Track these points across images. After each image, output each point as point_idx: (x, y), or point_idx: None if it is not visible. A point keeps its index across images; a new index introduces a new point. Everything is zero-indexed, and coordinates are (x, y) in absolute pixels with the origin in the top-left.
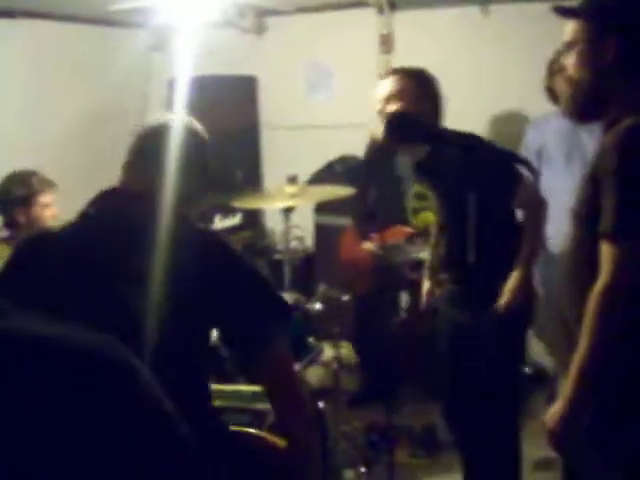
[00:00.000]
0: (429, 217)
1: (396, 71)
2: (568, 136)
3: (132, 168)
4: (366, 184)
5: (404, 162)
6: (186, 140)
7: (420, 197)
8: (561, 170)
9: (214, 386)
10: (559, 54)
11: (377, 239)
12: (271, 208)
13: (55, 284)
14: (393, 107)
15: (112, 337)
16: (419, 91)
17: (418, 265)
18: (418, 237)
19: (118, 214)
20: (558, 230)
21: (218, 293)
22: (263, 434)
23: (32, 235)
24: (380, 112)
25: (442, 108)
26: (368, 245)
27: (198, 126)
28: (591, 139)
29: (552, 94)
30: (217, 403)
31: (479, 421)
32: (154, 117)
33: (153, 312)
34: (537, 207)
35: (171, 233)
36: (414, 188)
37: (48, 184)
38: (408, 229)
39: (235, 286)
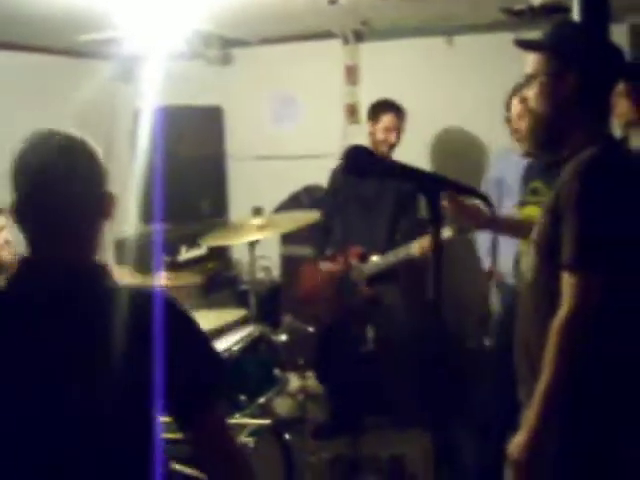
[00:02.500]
0: (533, 211)
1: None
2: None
3: (36, 234)
4: (331, 211)
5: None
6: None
7: (534, 192)
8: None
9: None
10: (514, 91)
11: (339, 262)
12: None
13: None
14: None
15: None
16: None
17: (372, 281)
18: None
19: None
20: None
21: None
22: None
23: None
24: None
25: None
26: (326, 265)
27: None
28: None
29: (510, 127)
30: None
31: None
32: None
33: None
34: None
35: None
36: (533, 183)
37: None
38: (358, 249)
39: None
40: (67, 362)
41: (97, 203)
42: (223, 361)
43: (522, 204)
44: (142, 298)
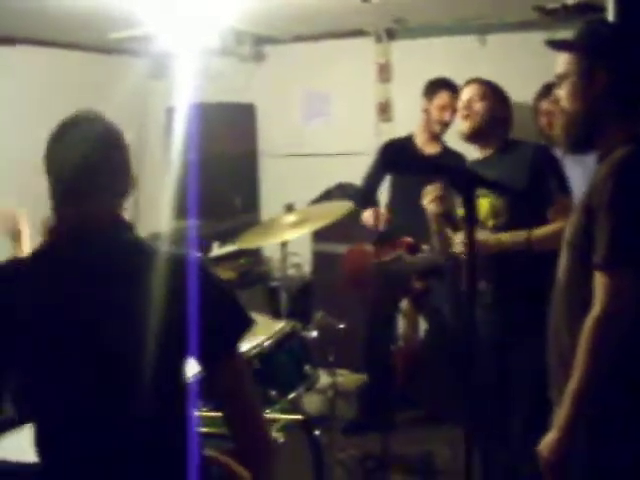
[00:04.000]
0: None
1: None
2: None
3: (68, 200)
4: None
5: None
6: (105, 145)
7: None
8: None
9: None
10: (541, 93)
11: (383, 252)
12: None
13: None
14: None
15: None
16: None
17: (423, 275)
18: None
19: (76, 254)
20: None
21: (183, 314)
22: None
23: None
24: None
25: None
26: (375, 251)
27: (106, 122)
28: (576, 171)
29: (538, 129)
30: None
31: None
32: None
33: (131, 345)
34: None
35: (136, 264)
36: None
37: None
38: (408, 239)
39: (199, 302)
40: (106, 311)
41: (123, 182)
42: (243, 310)
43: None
44: (175, 258)
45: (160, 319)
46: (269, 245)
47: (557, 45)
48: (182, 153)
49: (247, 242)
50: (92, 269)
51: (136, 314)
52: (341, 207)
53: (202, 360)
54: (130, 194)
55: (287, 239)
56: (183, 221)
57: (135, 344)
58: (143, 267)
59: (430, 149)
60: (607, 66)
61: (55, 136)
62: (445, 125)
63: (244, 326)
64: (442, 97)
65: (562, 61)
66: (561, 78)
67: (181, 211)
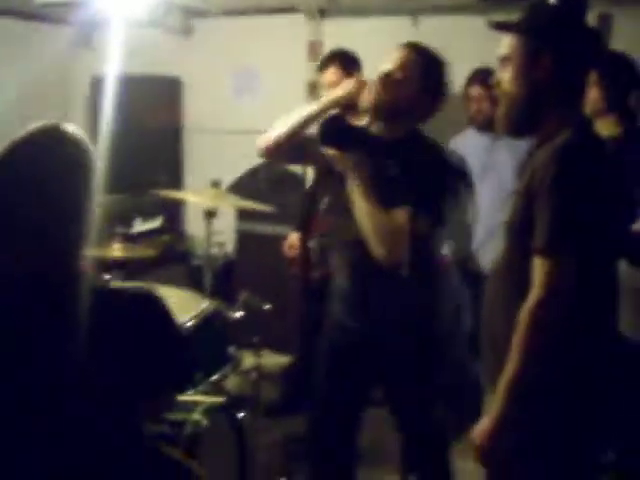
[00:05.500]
0: None
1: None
2: (484, 153)
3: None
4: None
5: None
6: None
7: None
8: (476, 186)
9: None
10: (472, 79)
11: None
12: (192, 212)
13: None
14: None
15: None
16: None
17: None
18: None
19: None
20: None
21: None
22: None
23: None
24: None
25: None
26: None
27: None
28: (507, 156)
29: (467, 114)
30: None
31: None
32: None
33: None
34: None
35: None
36: None
37: None
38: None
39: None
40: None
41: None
42: (186, 363)
43: None
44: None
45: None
46: (192, 223)
47: (501, 26)
48: (106, 125)
49: (166, 193)
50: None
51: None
52: (261, 207)
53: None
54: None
55: (210, 208)
56: (104, 195)
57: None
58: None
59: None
60: (553, 49)
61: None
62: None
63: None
64: (331, 73)
65: (505, 43)
66: (504, 60)
67: (104, 184)
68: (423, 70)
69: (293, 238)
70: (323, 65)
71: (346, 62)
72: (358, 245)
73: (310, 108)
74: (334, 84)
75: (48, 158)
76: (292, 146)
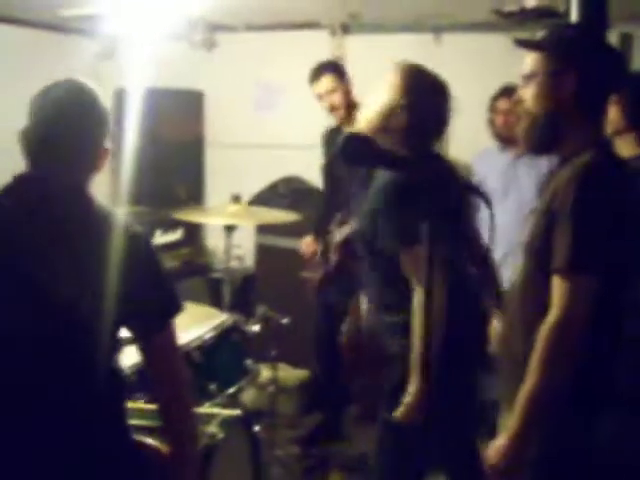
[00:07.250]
0: None
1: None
2: (506, 171)
3: (43, 154)
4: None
5: None
6: (92, 114)
7: None
8: (497, 205)
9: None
10: (500, 93)
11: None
12: (212, 225)
13: None
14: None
15: None
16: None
17: None
18: None
19: (39, 205)
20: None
21: (131, 287)
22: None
23: None
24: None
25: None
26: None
27: (89, 87)
28: (529, 175)
29: (493, 129)
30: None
31: None
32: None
33: (78, 304)
34: None
35: (97, 229)
36: None
37: None
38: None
39: (144, 279)
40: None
41: (96, 148)
42: (175, 291)
43: None
44: (132, 233)
45: (109, 283)
46: (212, 236)
47: (526, 44)
48: (129, 137)
49: (186, 216)
50: (52, 227)
51: (88, 275)
52: (285, 216)
53: (135, 330)
54: (99, 169)
55: (229, 224)
56: (125, 207)
57: (85, 302)
58: (102, 233)
59: None
60: (577, 68)
61: (42, 92)
62: (334, 109)
63: (176, 307)
64: (327, 81)
65: (529, 61)
66: (527, 78)
67: (124, 196)
68: None
69: (309, 239)
70: (316, 75)
71: (340, 70)
72: None
73: None
74: (332, 91)
75: (79, 90)
76: None
